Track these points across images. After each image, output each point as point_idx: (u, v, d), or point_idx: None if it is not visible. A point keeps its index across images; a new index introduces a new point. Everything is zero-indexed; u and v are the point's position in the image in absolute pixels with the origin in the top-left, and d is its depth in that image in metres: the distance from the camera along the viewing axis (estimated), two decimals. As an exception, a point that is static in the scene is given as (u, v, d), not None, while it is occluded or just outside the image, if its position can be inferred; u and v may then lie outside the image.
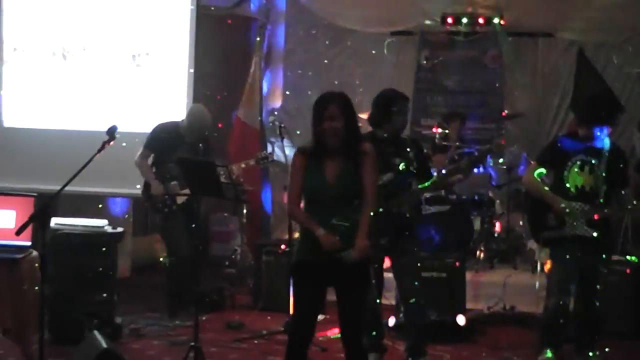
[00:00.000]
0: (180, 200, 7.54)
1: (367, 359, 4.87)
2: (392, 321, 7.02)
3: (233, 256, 9.48)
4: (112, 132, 5.20)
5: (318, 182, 4.66)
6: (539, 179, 6.42)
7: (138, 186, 7.92)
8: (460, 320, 7.10)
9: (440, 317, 6.99)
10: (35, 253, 5.85)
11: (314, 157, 4.72)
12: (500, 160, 9.59)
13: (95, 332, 5.72)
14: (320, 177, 4.66)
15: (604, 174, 6.20)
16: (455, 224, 8.92)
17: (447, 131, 9.31)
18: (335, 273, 4.62)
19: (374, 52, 10.92)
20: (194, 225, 7.60)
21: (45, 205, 4.98)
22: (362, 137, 4.88)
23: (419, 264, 6.19)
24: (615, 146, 6.44)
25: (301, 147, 4.84)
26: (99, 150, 5.13)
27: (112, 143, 5.24)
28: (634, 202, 6.25)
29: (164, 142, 7.65)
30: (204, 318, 7.63)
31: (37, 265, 5.57)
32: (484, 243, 9.24)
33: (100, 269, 6.83)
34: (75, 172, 4.95)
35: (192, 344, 5.57)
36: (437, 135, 9.32)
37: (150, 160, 7.73)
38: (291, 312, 4.99)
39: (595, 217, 6.11)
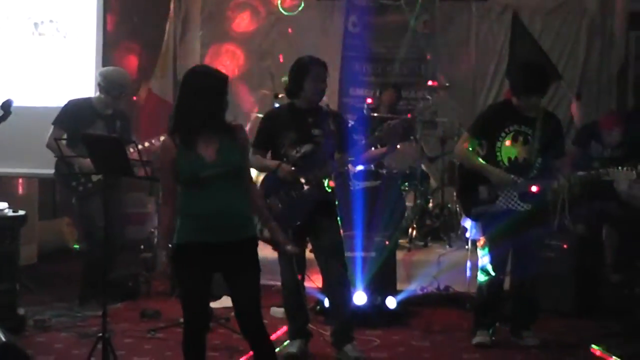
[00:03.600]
0: (95, 178, 7.34)
1: (272, 347, 4.80)
2: (317, 306, 6.99)
3: (149, 239, 9.33)
4: (6, 106, 5.04)
5: (196, 162, 4.54)
6: (471, 150, 6.40)
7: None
8: (391, 303, 7.08)
9: (370, 300, 6.94)
10: None
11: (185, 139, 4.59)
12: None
13: (-7, 325, 5.53)
14: (197, 157, 4.54)
15: (538, 145, 6.20)
16: (386, 200, 8.88)
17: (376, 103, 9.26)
18: (219, 256, 4.56)
19: (299, 18, 10.84)
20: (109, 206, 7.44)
21: None
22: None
23: (342, 244, 6.09)
24: (550, 115, 6.48)
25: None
26: (-6, 127, 4.95)
27: (7, 118, 5.05)
28: (571, 175, 6.27)
29: (76, 119, 7.44)
30: (118, 306, 7.54)
31: None
32: (417, 220, 9.25)
33: (0, 255, 6.64)
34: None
35: (100, 334, 5.43)
36: (366, 106, 9.28)
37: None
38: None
39: (536, 189, 6.13)
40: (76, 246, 9.24)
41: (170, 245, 4.62)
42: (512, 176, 6.14)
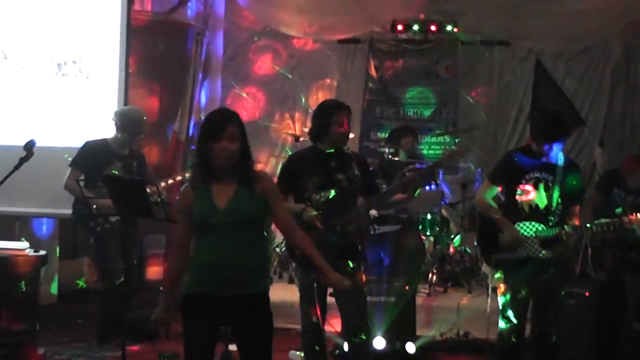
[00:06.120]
0: (114, 219, 7.43)
1: None
2: (336, 350, 7.03)
3: (168, 281, 9.39)
4: (29, 147, 5.15)
5: (207, 208, 4.48)
6: (490, 200, 6.43)
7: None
8: (410, 348, 7.12)
9: (389, 345, 6.98)
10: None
11: (201, 183, 4.56)
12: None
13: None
14: (209, 203, 4.48)
15: (558, 192, 6.24)
16: (406, 245, 8.92)
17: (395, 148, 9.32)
18: (226, 310, 4.45)
19: (320, 61, 10.96)
20: (128, 247, 7.54)
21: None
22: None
23: (364, 289, 6.13)
24: (570, 162, 6.46)
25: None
26: (16, 167, 5.08)
27: (29, 159, 5.17)
28: (591, 222, 6.28)
29: (93, 160, 7.52)
30: (136, 348, 7.58)
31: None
32: (437, 265, 9.28)
33: (21, 295, 6.71)
34: (-10, 191, 4.89)
35: (119, 376, 5.51)
36: (387, 151, 9.35)
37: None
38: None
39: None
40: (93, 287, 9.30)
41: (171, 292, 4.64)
42: (523, 235, 6.19)
